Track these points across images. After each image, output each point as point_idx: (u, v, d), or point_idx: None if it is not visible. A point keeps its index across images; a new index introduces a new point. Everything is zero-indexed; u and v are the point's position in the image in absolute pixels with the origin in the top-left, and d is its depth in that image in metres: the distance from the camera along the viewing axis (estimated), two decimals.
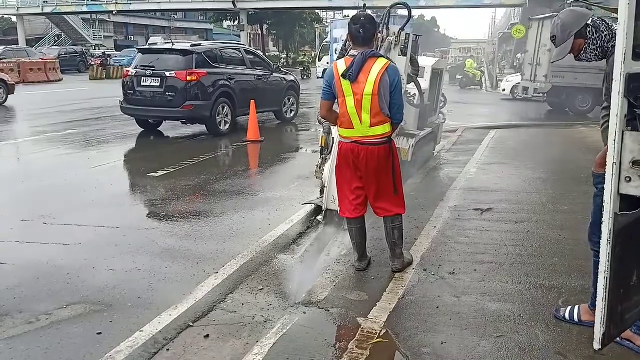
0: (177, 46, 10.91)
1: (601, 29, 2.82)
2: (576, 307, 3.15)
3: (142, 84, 10.00)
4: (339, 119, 3.74)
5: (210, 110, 9.96)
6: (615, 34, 2.64)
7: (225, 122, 10.39)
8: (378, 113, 3.58)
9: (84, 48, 41.60)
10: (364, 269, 3.95)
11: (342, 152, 3.78)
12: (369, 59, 3.56)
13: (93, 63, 33.73)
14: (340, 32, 32.31)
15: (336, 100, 3.71)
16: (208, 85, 9.95)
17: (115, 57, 36.57)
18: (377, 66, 3.55)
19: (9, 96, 16.21)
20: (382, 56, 3.70)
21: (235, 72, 10.71)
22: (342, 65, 3.62)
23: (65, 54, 36.30)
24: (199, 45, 11.15)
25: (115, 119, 12.47)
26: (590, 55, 2.87)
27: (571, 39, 2.85)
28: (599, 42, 2.82)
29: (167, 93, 9.77)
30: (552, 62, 4.01)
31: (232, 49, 11.74)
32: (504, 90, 19.85)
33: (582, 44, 2.85)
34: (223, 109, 10.28)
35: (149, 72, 10.01)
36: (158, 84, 9.85)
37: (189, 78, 9.71)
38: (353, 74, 3.53)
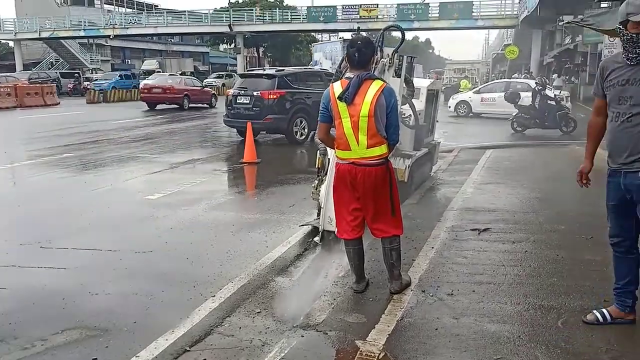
0: (266, 71, 13.78)
1: None
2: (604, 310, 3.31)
3: (238, 101, 12.56)
4: (336, 141, 3.75)
5: (287, 123, 12.19)
6: None
7: (302, 134, 12.49)
8: (375, 135, 3.60)
9: (78, 72, 41.32)
10: (362, 291, 3.92)
11: (339, 173, 3.79)
12: (365, 81, 3.59)
13: (69, 87, 33.54)
14: (319, 55, 33.00)
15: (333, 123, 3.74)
16: (285, 102, 12.18)
17: (96, 80, 35.62)
18: (373, 88, 3.57)
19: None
20: (378, 78, 3.72)
21: (312, 91, 12.34)
22: (338, 88, 3.64)
23: (36, 78, 34.81)
24: (282, 70, 13.55)
25: (112, 142, 12.49)
26: None
27: None
28: None
29: (253, 108, 12.18)
30: None
31: (313, 73, 14.43)
32: (449, 107, 20.99)
33: None
34: (300, 122, 12.43)
35: (242, 92, 12.58)
36: (248, 101, 12.33)
37: (270, 96, 12.07)
38: (349, 97, 3.56)
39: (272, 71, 13.44)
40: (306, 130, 12.42)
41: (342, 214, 3.88)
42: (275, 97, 12.07)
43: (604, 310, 3.29)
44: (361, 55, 3.64)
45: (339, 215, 3.93)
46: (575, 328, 3.27)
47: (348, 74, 3.72)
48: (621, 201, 3.09)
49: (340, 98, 3.59)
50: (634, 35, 2.84)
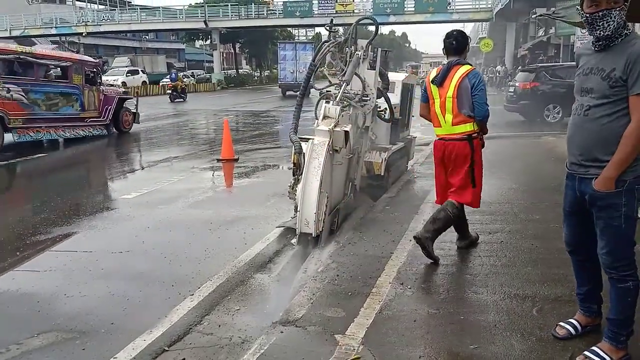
0: None
1: None
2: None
3: None
4: (431, 119, 4.32)
5: None
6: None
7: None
8: (458, 114, 4.13)
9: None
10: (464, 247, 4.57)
11: (434, 148, 4.43)
12: (453, 67, 4.16)
13: None
14: (284, 54, 34.22)
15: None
16: None
17: None
18: (459, 73, 4.12)
19: None
20: (467, 64, 4.22)
21: None
22: (434, 73, 4.30)
23: None
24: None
25: (81, 142, 12.29)
26: (618, 22, 2.56)
27: None
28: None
29: None
30: None
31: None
32: None
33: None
34: None
35: None
36: None
37: None
38: (438, 80, 4.18)
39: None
40: None
41: (438, 185, 4.48)
42: None
43: (573, 322, 3.09)
44: (458, 43, 4.22)
45: (436, 185, 4.53)
46: (550, 315, 3.33)
47: (445, 61, 4.29)
48: (577, 207, 2.83)
49: (432, 82, 4.21)
50: (588, 15, 2.60)
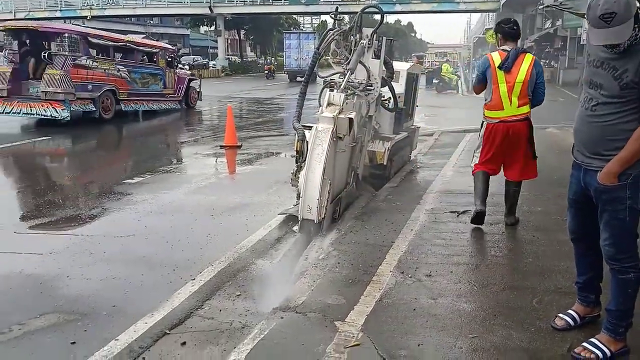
0: None
1: None
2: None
3: None
4: (490, 103, 4.67)
5: None
6: None
7: None
8: (524, 96, 4.57)
9: None
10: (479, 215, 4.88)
11: (490, 131, 4.74)
12: (520, 55, 4.55)
13: None
14: (289, 42, 37.03)
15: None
16: None
17: None
18: (527, 60, 4.54)
19: None
20: (529, 52, 4.66)
21: None
22: (497, 58, 4.56)
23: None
24: None
25: (81, 127, 12.29)
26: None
27: (632, 19, 2.40)
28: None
29: None
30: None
31: None
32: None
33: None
34: None
35: None
36: None
37: None
38: (509, 66, 4.50)
39: None
40: None
41: (484, 159, 4.87)
42: None
43: (572, 312, 3.10)
44: (517, 29, 4.66)
45: (482, 159, 4.91)
46: (549, 307, 3.33)
47: (504, 47, 4.61)
48: (582, 197, 2.84)
49: (500, 67, 4.50)
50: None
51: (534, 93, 4.63)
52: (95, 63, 12.99)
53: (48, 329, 3.23)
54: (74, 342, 3.05)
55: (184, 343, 3.06)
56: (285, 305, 3.45)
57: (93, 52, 13.43)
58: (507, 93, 4.57)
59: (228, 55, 53.42)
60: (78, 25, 27.59)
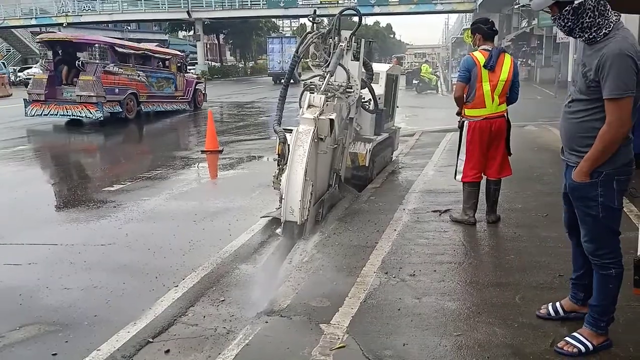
0: None
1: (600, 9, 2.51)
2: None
3: None
4: (473, 101, 4.75)
5: None
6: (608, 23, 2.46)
7: None
8: (504, 94, 4.76)
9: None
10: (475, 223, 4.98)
11: (473, 128, 4.83)
12: (501, 54, 4.73)
13: None
14: (272, 47, 38.00)
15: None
16: None
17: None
18: (508, 59, 4.74)
19: None
20: (507, 52, 4.87)
21: None
22: (481, 58, 4.67)
23: None
24: None
25: (66, 131, 12.12)
26: (573, 24, 2.55)
27: None
28: (594, 18, 2.51)
29: None
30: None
31: None
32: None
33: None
34: None
35: None
36: None
37: None
38: (493, 65, 4.64)
39: None
40: None
41: (471, 163, 4.93)
42: None
43: (557, 305, 3.17)
44: (496, 30, 4.86)
45: (468, 163, 4.96)
46: (532, 303, 3.36)
47: (485, 46, 4.73)
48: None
49: (485, 66, 4.63)
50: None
51: (511, 91, 4.81)
52: (120, 69, 14.60)
53: (28, 341, 3.17)
54: (55, 354, 3.00)
55: (167, 351, 3.03)
56: (269, 309, 3.43)
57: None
58: (490, 91, 4.70)
59: (208, 59, 53.17)
60: (54, 32, 27.50)
